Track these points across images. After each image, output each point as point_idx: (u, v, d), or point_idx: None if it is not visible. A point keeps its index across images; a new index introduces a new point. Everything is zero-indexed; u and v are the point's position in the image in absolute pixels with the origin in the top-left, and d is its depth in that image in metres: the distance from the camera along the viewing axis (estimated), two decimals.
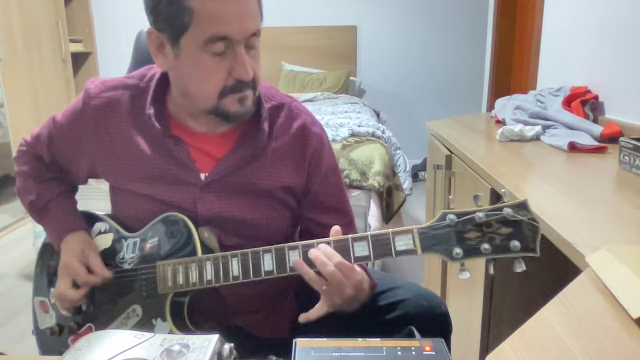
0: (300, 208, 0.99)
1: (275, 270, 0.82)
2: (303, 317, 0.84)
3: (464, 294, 1.43)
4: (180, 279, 0.87)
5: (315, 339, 0.62)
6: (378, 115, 3.87)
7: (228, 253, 0.85)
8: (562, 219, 0.84)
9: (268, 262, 0.82)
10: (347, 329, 0.87)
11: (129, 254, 0.94)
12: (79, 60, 4.26)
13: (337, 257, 0.78)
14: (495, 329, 1.25)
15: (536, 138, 1.54)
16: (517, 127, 1.54)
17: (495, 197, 1.14)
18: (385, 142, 2.68)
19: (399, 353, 0.60)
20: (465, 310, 1.39)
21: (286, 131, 0.95)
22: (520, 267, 0.73)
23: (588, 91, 1.68)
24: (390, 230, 0.78)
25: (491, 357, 0.52)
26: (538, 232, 0.72)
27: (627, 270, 0.62)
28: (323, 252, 0.79)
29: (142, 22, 1.22)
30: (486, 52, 3.35)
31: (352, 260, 0.79)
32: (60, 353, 0.64)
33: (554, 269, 1.13)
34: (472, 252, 0.74)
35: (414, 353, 0.60)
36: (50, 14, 3.74)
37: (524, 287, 1.22)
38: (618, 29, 1.60)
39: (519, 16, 3.12)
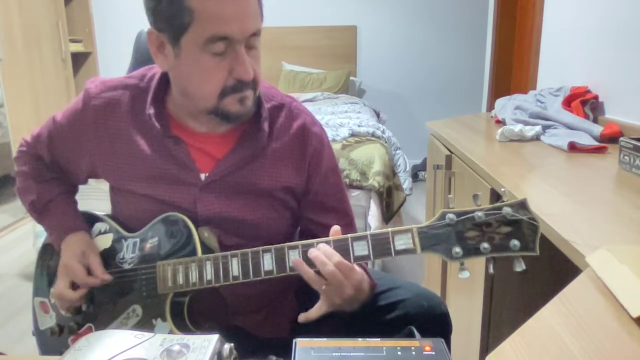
0: (300, 208, 0.99)
1: (275, 270, 0.82)
2: (303, 317, 0.84)
3: (464, 294, 1.43)
4: (180, 279, 0.87)
5: (315, 339, 0.62)
6: (378, 115, 3.87)
7: (228, 253, 0.85)
8: (562, 218, 0.84)
9: (268, 262, 0.82)
10: (347, 329, 0.87)
11: (129, 254, 0.94)
12: (79, 60, 4.26)
13: (337, 257, 0.78)
14: (495, 329, 1.25)
15: (536, 138, 1.54)
16: (517, 127, 1.54)
17: (495, 197, 1.14)
18: (385, 142, 2.68)
19: (399, 353, 0.60)
20: (465, 310, 1.39)
21: (286, 131, 0.95)
22: (520, 267, 0.73)
23: (588, 91, 1.68)
24: (390, 229, 0.78)
25: (491, 357, 0.52)
26: (537, 231, 0.72)
27: (627, 270, 0.62)
28: (323, 252, 0.79)
29: (142, 22, 1.22)
30: (486, 52, 3.35)
31: (352, 259, 0.79)
32: (60, 353, 0.64)
33: (554, 269, 1.13)
34: (471, 251, 0.74)
35: (414, 353, 0.60)
36: (50, 14, 3.74)
37: (524, 287, 1.22)
38: (618, 29, 1.60)
39: (519, 16, 3.12)
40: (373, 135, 2.69)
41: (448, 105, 4.51)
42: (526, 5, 2.99)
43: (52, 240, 1.01)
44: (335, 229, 0.82)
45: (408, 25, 4.54)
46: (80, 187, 1.10)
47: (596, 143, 1.37)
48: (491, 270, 0.76)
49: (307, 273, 0.79)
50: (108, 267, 0.95)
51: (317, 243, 0.81)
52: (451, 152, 1.57)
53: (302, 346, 0.61)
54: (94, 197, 1.37)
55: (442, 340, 0.62)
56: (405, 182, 2.66)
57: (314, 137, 0.96)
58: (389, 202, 2.40)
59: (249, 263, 0.83)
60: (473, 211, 0.74)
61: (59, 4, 3.82)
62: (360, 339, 0.63)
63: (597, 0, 1.74)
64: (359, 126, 2.77)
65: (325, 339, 0.62)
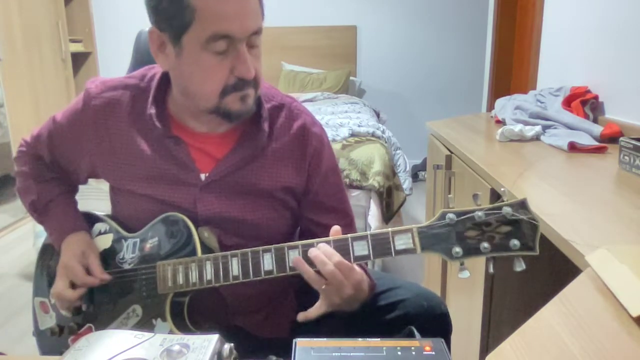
0: (300, 208, 0.99)
1: (275, 270, 0.82)
2: (302, 316, 0.84)
3: (464, 294, 1.43)
4: (180, 279, 0.87)
5: (315, 339, 0.62)
6: (378, 115, 3.87)
7: (228, 253, 0.85)
8: (562, 218, 0.84)
9: (268, 262, 0.82)
10: (347, 329, 0.87)
11: (129, 254, 0.94)
12: (79, 60, 4.26)
13: (337, 257, 0.78)
14: (495, 329, 1.25)
15: (536, 138, 1.54)
16: (517, 127, 1.54)
17: (495, 196, 1.14)
18: (385, 142, 2.68)
19: (399, 353, 0.60)
20: (465, 310, 1.40)
21: (286, 131, 0.95)
22: (520, 266, 0.73)
23: (588, 91, 1.68)
24: (390, 229, 0.78)
25: (491, 357, 0.52)
26: (537, 231, 0.72)
27: (627, 270, 0.62)
28: (323, 252, 0.79)
29: (142, 22, 1.22)
30: (486, 52, 3.35)
31: (352, 259, 0.79)
32: (60, 353, 0.64)
33: (554, 269, 1.13)
34: (471, 250, 0.74)
35: (414, 353, 0.60)
36: (50, 14, 3.74)
37: (524, 287, 1.22)
38: (618, 29, 1.60)
39: (519, 16, 3.12)
40: (373, 135, 2.69)
41: (448, 105, 4.51)
42: (526, 5, 2.99)
43: (53, 240, 1.01)
44: (336, 229, 0.82)
45: (408, 25, 4.54)
46: (80, 187, 1.10)
47: (596, 143, 1.37)
48: (491, 269, 0.76)
49: (307, 272, 0.79)
50: (108, 267, 0.95)
51: (317, 243, 0.81)
52: (451, 152, 1.57)
53: (302, 346, 0.61)
54: (94, 197, 1.37)
55: (442, 340, 0.62)
56: (405, 182, 2.66)
57: (314, 137, 0.96)
58: (389, 202, 2.40)
59: (249, 263, 0.83)
60: (473, 211, 0.74)
61: (59, 4, 3.82)
62: (360, 339, 0.63)
63: (597, 0, 1.74)
64: (359, 126, 2.77)
65: (325, 339, 0.62)
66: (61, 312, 0.99)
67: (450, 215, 0.75)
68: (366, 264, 0.90)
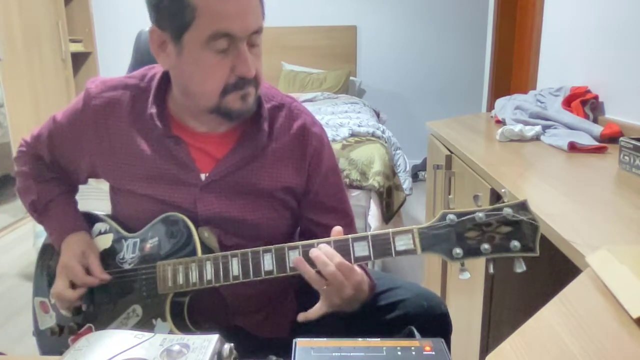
0: (300, 208, 0.99)
1: (275, 270, 0.82)
2: (302, 317, 0.84)
3: (464, 294, 1.43)
4: (181, 279, 0.87)
5: (315, 339, 0.62)
6: (378, 115, 3.87)
7: (228, 253, 0.85)
8: (562, 218, 0.84)
9: (268, 262, 0.82)
10: (347, 329, 0.87)
11: (129, 254, 0.94)
12: (79, 60, 4.26)
13: (338, 258, 0.78)
14: (495, 329, 1.25)
15: (536, 138, 1.54)
16: (517, 127, 1.54)
17: (495, 197, 1.14)
18: (385, 142, 2.68)
19: (399, 353, 0.60)
20: (465, 310, 1.40)
21: (286, 131, 0.95)
22: (520, 268, 0.73)
23: (588, 91, 1.68)
24: (390, 230, 0.78)
25: (491, 357, 0.52)
26: (538, 232, 0.72)
27: (627, 270, 0.62)
28: (324, 252, 0.79)
29: (142, 22, 1.22)
30: (486, 52, 3.35)
31: (352, 260, 0.79)
32: (60, 353, 0.64)
33: (554, 269, 1.13)
34: (472, 251, 0.74)
35: (414, 353, 0.60)
36: (50, 14, 3.74)
37: (524, 287, 1.22)
38: (618, 29, 1.60)
39: (519, 16, 3.12)
40: (373, 135, 2.69)
41: (448, 105, 4.51)
42: (526, 5, 2.99)
43: (53, 240, 1.01)
44: (337, 229, 0.82)
45: (408, 25, 4.54)
46: (80, 187, 1.10)
47: (596, 143, 1.37)
48: (491, 270, 0.76)
49: (308, 273, 0.79)
50: (108, 267, 0.95)
51: (318, 243, 0.81)
52: (451, 152, 1.57)
53: (302, 346, 0.61)
54: (94, 197, 1.37)
55: (442, 340, 0.62)
56: (405, 182, 2.66)
57: (314, 137, 0.96)
58: (389, 202, 2.40)
59: (249, 263, 0.83)
60: (474, 212, 0.74)
61: (59, 4, 3.82)
62: (360, 339, 0.63)
63: (597, 0, 1.74)
64: (359, 126, 2.77)
65: (325, 339, 0.63)
66: (61, 312, 0.99)
67: (451, 216, 0.75)
68: (366, 264, 0.90)
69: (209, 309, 0.96)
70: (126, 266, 0.94)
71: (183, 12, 0.78)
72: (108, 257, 0.96)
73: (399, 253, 0.77)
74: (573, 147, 1.36)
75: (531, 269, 0.74)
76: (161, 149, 0.91)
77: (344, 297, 0.81)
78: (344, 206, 1.02)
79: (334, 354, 0.60)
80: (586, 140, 1.38)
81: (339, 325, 0.88)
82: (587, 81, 1.74)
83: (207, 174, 0.92)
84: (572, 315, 0.57)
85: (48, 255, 1.05)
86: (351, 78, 4.43)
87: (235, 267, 0.84)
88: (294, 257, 0.81)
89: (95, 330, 0.96)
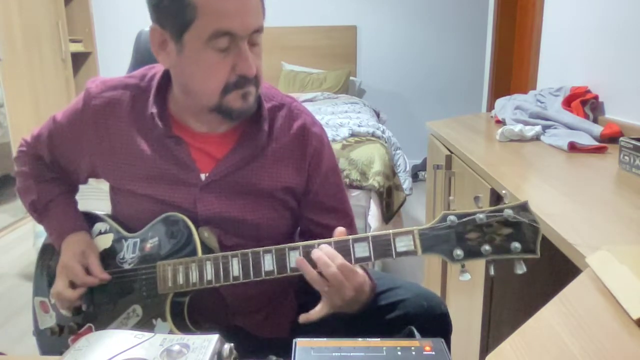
0: (301, 208, 0.99)
1: (275, 270, 0.82)
2: (303, 318, 0.84)
3: (464, 294, 1.43)
4: (181, 279, 0.87)
5: (315, 339, 0.62)
6: (378, 115, 3.87)
7: (228, 253, 0.85)
8: (562, 219, 0.84)
9: (268, 263, 0.82)
10: (347, 329, 0.87)
11: (129, 254, 0.94)
12: (79, 60, 4.26)
13: (340, 259, 0.78)
14: (495, 329, 1.25)
15: (536, 138, 1.54)
16: (517, 127, 1.54)
17: (495, 197, 1.14)
18: (385, 142, 2.68)
19: (399, 353, 0.60)
20: (465, 310, 1.40)
21: (286, 131, 0.95)
22: (521, 269, 0.73)
23: (588, 91, 1.68)
24: (391, 231, 0.78)
25: (491, 357, 0.52)
26: (538, 234, 0.72)
27: (627, 271, 0.62)
28: (325, 253, 0.79)
29: (142, 22, 1.22)
30: (486, 52, 3.35)
31: (353, 261, 0.79)
32: (61, 353, 0.64)
33: (554, 269, 1.13)
34: (472, 253, 0.74)
35: (414, 353, 0.60)
36: (50, 14, 3.74)
37: (524, 287, 1.22)
38: (618, 29, 1.60)
39: (519, 16, 3.12)
40: (373, 135, 2.69)
41: (448, 105, 4.51)
42: (526, 5, 2.99)
43: (53, 240, 1.01)
44: (340, 230, 0.82)
45: (408, 25, 4.54)
46: (80, 187, 1.10)
47: (596, 143, 1.37)
48: (492, 272, 0.76)
49: (310, 273, 0.79)
50: (108, 267, 0.95)
51: (318, 244, 0.81)
52: (451, 152, 1.57)
53: (302, 346, 0.61)
54: (94, 197, 1.37)
55: (442, 340, 0.62)
56: (405, 182, 2.66)
57: (314, 137, 0.96)
58: (389, 202, 2.40)
59: (250, 263, 0.83)
60: (474, 213, 0.74)
61: (59, 4, 3.82)
62: (360, 339, 0.63)
63: (597, 0, 1.74)
64: (359, 126, 2.77)
65: (325, 339, 0.63)
66: (61, 312, 0.99)
67: (452, 217, 0.75)
68: (367, 264, 0.90)
69: (209, 309, 0.96)
70: (126, 266, 0.94)
71: (184, 11, 0.78)
72: (108, 257, 0.96)
73: (399, 254, 0.77)
74: (573, 147, 1.36)
75: (531, 269, 0.74)
76: (161, 149, 0.91)
77: (345, 299, 0.81)
78: (344, 206, 1.02)
79: (334, 354, 0.60)
80: (586, 140, 1.38)
81: (339, 325, 0.88)
82: (587, 81, 1.74)
83: (207, 174, 0.92)
84: (572, 315, 0.57)
85: (48, 255, 1.05)
86: (351, 78, 4.43)
87: (235, 268, 0.84)
88: (294, 257, 0.81)
89: (95, 330, 0.96)
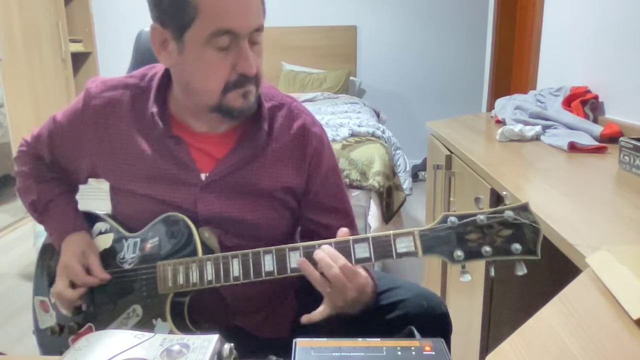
0: (301, 208, 0.99)
1: (275, 271, 0.82)
2: (305, 319, 0.84)
3: (464, 294, 1.43)
4: (181, 279, 0.87)
5: (315, 339, 0.62)
6: (378, 115, 3.87)
7: (229, 253, 0.85)
8: (562, 219, 0.84)
9: (269, 263, 0.82)
10: (347, 328, 0.87)
11: (129, 254, 0.94)
12: (79, 60, 4.26)
13: (342, 260, 0.78)
14: (495, 329, 1.25)
15: (536, 138, 1.54)
16: (517, 127, 1.54)
17: (495, 197, 1.14)
18: (385, 142, 2.68)
19: (399, 353, 0.60)
20: (465, 310, 1.40)
21: (286, 131, 0.95)
22: (521, 270, 0.73)
23: (588, 91, 1.68)
24: (392, 232, 0.78)
25: (491, 357, 0.52)
26: (539, 235, 0.72)
27: (627, 271, 0.62)
28: (328, 254, 0.79)
29: (142, 22, 1.22)
30: (486, 52, 3.35)
31: (353, 261, 0.79)
32: (61, 353, 0.64)
33: (554, 269, 1.13)
34: (473, 254, 0.74)
35: (414, 353, 0.60)
36: (50, 14, 3.74)
37: (524, 287, 1.22)
38: (618, 29, 1.60)
39: (519, 16, 3.12)
40: (373, 135, 2.69)
41: (448, 105, 4.51)
42: (526, 5, 2.99)
43: (53, 240, 1.01)
44: (343, 230, 0.82)
45: (408, 25, 4.54)
46: (80, 187, 1.10)
47: (596, 143, 1.37)
48: (492, 273, 0.76)
49: (312, 274, 0.79)
50: (108, 267, 0.95)
51: (319, 245, 0.81)
52: (451, 152, 1.57)
53: (302, 346, 0.61)
54: (94, 197, 1.37)
55: (442, 340, 0.62)
56: (405, 182, 2.66)
57: (314, 137, 0.96)
58: (389, 202, 2.40)
59: (250, 264, 0.83)
60: (475, 214, 0.74)
61: (59, 4, 3.82)
62: (360, 339, 0.63)
63: (597, 0, 1.74)
64: (359, 126, 2.77)
65: (325, 339, 0.63)
66: (61, 312, 0.99)
67: (452, 219, 0.75)
68: (367, 265, 0.90)
69: (209, 309, 0.96)
70: (126, 266, 0.94)
71: (185, 10, 0.78)
72: (108, 256, 0.96)
73: (399, 255, 0.77)
74: (573, 147, 1.36)
75: (531, 269, 0.74)
76: (161, 149, 0.91)
77: (347, 299, 0.81)
78: (345, 206, 1.02)
79: (334, 354, 0.60)
80: (586, 140, 1.38)
81: (339, 325, 0.88)
82: (587, 81, 1.74)
83: (207, 174, 0.92)
84: (572, 315, 0.57)
85: (48, 254, 1.05)
86: (351, 78, 4.43)
87: (235, 268, 0.84)
88: (294, 258, 0.81)
89: (95, 330, 0.96)
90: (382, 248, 0.78)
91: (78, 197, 1.09)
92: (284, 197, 0.95)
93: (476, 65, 4.00)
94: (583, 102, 1.62)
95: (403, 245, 0.77)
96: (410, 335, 0.83)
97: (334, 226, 0.88)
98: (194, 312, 0.91)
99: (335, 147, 2.42)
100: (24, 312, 2.17)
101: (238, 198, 0.93)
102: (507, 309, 1.23)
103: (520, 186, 1.09)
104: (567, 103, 1.66)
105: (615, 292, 0.60)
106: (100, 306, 0.96)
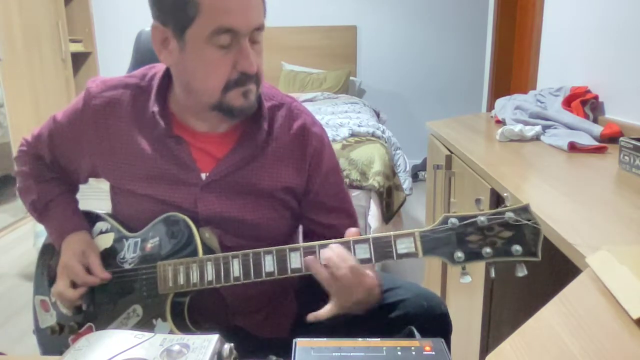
0: (301, 208, 0.99)
1: (276, 271, 0.82)
2: (312, 316, 0.83)
3: (464, 294, 1.43)
4: (181, 279, 0.87)
5: (315, 339, 0.62)
6: (378, 115, 3.87)
7: (229, 254, 0.85)
8: (562, 219, 0.84)
9: (269, 263, 0.82)
10: (347, 329, 0.87)
11: (129, 253, 0.94)
12: (79, 60, 4.26)
13: (351, 260, 0.78)
14: (495, 329, 1.25)
15: (536, 138, 1.54)
16: (517, 127, 1.54)
17: (495, 197, 1.14)
18: (385, 142, 2.68)
19: (399, 353, 0.60)
20: (465, 310, 1.40)
21: (286, 131, 0.95)
22: (522, 272, 0.73)
23: (588, 91, 1.68)
24: (392, 233, 0.78)
25: (491, 357, 0.52)
26: (540, 237, 0.72)
27: (627, 271, 0.62)
28: (337, 254, 0.79)
29: (142, 22, 1.22)
30: (486, 52, 3.35)
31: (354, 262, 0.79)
32: (61, 352, 0.64)
33: (554, 269, 1.13)
34: (473, 255, 0.74)
35: (414, 353, 0.60)
36: (50, 14, 3.74)
37: (524, 287, 1.22)
38: (618, 29, 1.60)
39: (519, 16, 3.12)
40: (373, 135, 2.69)
41: (448, 105, 4.51)
42: (526, 5, 2.99)
43: (53, 240, 1.01)
44: (352, 231, 0.82)
45: (408, 25, 4.54)
46: (81, 187, 1.10)
47: (596, 143, 1.37)
48: (492, 274, 0.76)
49: (321, 273, 0.79)
50: (109, 266, 0.95)
51: (319, 245, 0.81)
52: (451, 152, 1.57)
53: (302, 346, 0.61)
54: (94, 197, 1.37)
55: (442, 340, 0.62)
56: (405, 182, 2.66)
57: (314, 137, 0.96)
58: (389, 202, 2.40)
59: (250, 264, 0.83)
60: (475, 215, 0.74)
61: (59, 4, 3.82)
62: (360, 339, 0.63)
63: (597, 0, 1.74)
64: (359, 126, 2.77)
65: (325, 339, 0.62)
66: (62, 311, 0.99)
67: (453, 220, 0.75)
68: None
69: (209, 309, 0.96)
70: (127, 266, 0.94)
71: (186, 8, 0.78)
72: (109, 256, 0.96)
73: (400, 256, 0.77)
74: (573, 147, 1.36)
75: (531, 269, 0.74)
76: (162, 149, 0.91)
77: (355, 300, 0.81)
78: (346, 206, 1.02)
79: (334, 354, 0.60)
80: (586, 140, 1.38)
81: (339, 325, 0.88)
82: (587, 81, 1.74)
83: (208, 174, 0.92)
84: (572, 315, 0.57)
85: (48, 254, 1.05)
86: (351, 78, 4.43)
87: (236, 268, 0.84)
88: (295, 258, 0.81)
89: (95, 329, 0.96)
90: (383, 249, 0.78)
91: (78, 197, 1.09)
92: (284, 197, 0.95)
93: (476, 65, 4.00)
94: (583, 102, 1.62)
95: (403, 246, 0.77)
96: (410, 335, 0.83)
97: (336, 226, 0.88)
98: (194, 312, 0.91)
99: (335, 147, 2.42)
100: (24, 312, 2.17)
101: (238, 198, 0.93)
102: (507, 309, 1.23)
103: (520, 186, 1.09)
104: (567, 103, 1.66)
105: (615, 292, 0.60)
106: (100, 306, 0.96)
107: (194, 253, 0.87)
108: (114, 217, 1.01)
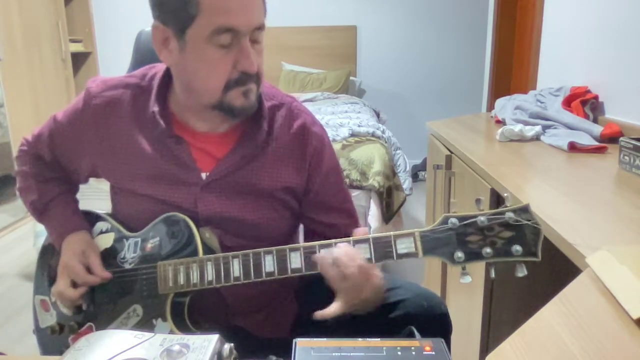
0: (302, 208, 0.99)
1: (276, 271, 0.82)
2: (319, 314, 0.83)
3: (464, 294, 1.43)
4: (181, 279, 0.87)
5: (315, 339, 0.62)
6: (378, 115, 3.87)
7: (229, 254, 0.85)
8: (562, 219, 0.84)
9: (269, 263, 0.82)
10: (347, 329, 0.87)
11: (130, 253, 0.94)
12: (79, 60, 4.26)
13: (359, 259, 0.78)
14: (495, 329, 1.25)
15: (536, 138, 1.54)
16: (517, 127, 1.54)
17: (495, 197, 1.14)
18: (385, 142, 2.68)
19: (399, 353, 0.60)
20: (465, 310, 1.40)
21: (286, 131, 0.95)
22: (522, 272, 0.73)
23: (588, 91, 1.68)
24: (392, 233, 0.78)
25: (491, 357, 0.52)
26: (540, 237, 0.72)
27: (627, 271, 0.62)
28: (345, 253, 0.79)
29: (142, 22, 1.22)
30: (486, 52, 3.35)
31: None
32: (61, 352, 0.64)
33: (554, 269, 1.13)
34: (473, 255, 0.74)
35: (414, 353, 0.60)
36: (50, 14, 3.74)
37: (524, 287, 1.22)
38: (618, 29, 1.60)
39: (519, 16, 3.12)
40: (373, 135, 2.68)
41: (448, 105, 4.51)
42: (526, 5, 2.99)
43: (53, 240, 1.01)
44: (360, 230, 0.82)
45: (408, 25, 4.54)
46: (81, 187, 1.10)
47: (596, 143, 1.37)
48: (492, 274, 0.76)
49: (329, 272, 0.79)
50: (109, 266, 0.95)
51: (319, 246, 0.81)
52: (451, 152, 1.57)
53: (302, 346, 0.61)
54: (94, 197, 1.37)
55: (442, 340, 0.62)
56: (405, 182, 2.66)
57: (315, 137, 0.96)
58: (389, 202, 2.40)
59: (250, 264, 0.83)
60: (476, 216, 0.74)
61: (59, 4, 3.82)
62: (360, 339, 0.63)
63: (597, 0, 1.74)
64: (359, 126, 2.77)
65: (325, 339, 0.63)
66: (62, 311, 0.99)
67: (453, 220, 0.75)
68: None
69: (210, 309, 0.96)
70: (127, 266, 0.94)
71: (186, 8, 0.78)
72: (109, 256, 0.96)
73: (400, 256, 0.77)
74: (573, 147, 1.36)
75: (531, 269, 0.75)
76: (162, 149, 0.91)
77: (362, 298, 0.81)
78: (346, 205, 1.02)
79: (334, 354, 0.60)
80: (586, 140, 1.38)
81: (339, 325, 0.88)
82: (587, 81, 1.74)
83: (208, 174, 0.92)
84: (572, 315, 0.57)
85: (49, 254, 1.05)
86: (351, 78, 4.43)
87: (236, 268, 0.84)
88: (295, 258, 0.81)
89: (95, 329, 0.96)
90: (383, 249, 0.78)
91: (78, 197, 1.09)
92: (284, 197, 0.95)
93: (476, 65, 4.00)
94: (583, 102, 1.62)
95: (403, 246, 0.77)
96: (410, 335, 0.83)
97: (337, 225, 0.88)
98: (194, 312, 0.91)
99: (335, 147, 2.41)
100: (24, 312, 2.17)
101: (238, 198, 0.93)
102: (507, 309, 1.23)
103: (520, 186, 1.09)
104: (567, 103, 1.66)
105: (615, 292, 0.60)
106: (100, 306, 0.96)
107: (194, 253, 0.87)
108: (114, 217, 1.01)
